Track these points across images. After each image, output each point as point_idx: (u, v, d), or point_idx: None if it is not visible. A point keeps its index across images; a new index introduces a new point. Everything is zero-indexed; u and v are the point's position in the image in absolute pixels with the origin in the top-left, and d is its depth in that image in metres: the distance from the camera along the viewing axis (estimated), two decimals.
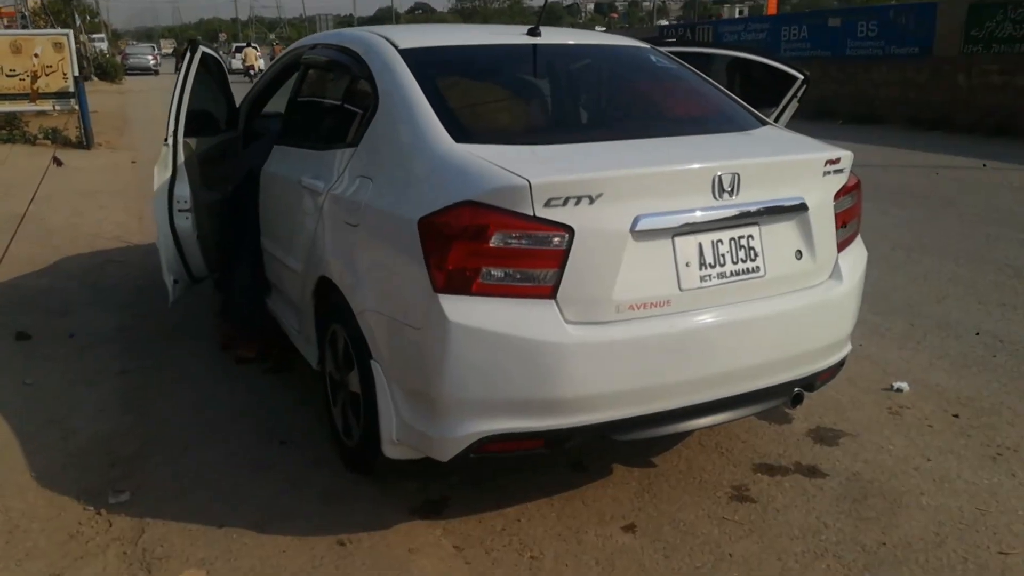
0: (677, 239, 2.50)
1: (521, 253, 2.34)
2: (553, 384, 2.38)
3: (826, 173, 2.76)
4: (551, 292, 2.37)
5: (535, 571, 2.57)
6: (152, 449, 3.37)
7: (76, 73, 12.15)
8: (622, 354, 2.43)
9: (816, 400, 3.67)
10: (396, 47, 3.10)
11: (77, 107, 12.21)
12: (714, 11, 64.95)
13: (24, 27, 33.73)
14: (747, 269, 2.62)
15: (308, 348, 3.46)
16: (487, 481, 3.05)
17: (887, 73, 15.28)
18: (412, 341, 2.49)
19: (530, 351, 2.36)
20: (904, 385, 3.85)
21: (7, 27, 27.86)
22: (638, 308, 2.45)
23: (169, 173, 3.73)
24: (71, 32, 12.83)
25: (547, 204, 2.31)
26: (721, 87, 3.40)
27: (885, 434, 3.42)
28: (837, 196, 2.83)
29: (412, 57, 3.03)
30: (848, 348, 3.07)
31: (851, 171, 2.94)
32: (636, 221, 2.40)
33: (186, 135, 3.89)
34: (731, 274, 2.59)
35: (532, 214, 2.32)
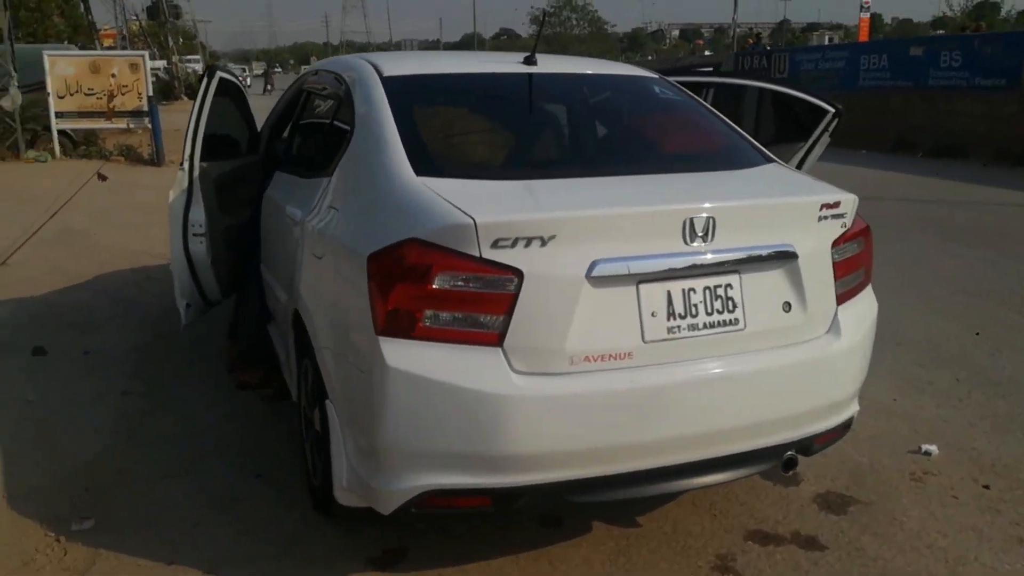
0: (643, 286, 2.30)
1: (466, 296, 2.18)
2: (497, 439, 2.20)
3: (822, 218, 2.52)
4: (498, 339, 2.20)
5: None
6: (130, 476, 3.31)
7: (150, 93, 12.60)
8: (575, 409, 2.24)
9: (831, 460, 3.38)
10: (380, 74, 3.00)
11: (150, 125, 12.64)
12: (800, 40, 63.47)
13: (124, 48, 35.53)
14: (724, 321, 2.39)
15: (290, 380, 3.37)
16: (452, 530, 2.88)
17: (971, 105, 14.51)
18: (358, 384, 2.36)
19: (472, 402, 2.19)
20: (933, 448, 3.51)
21: (107, 48, 29.35)
22: (595, 360, 2.26)
23: (185, 196, 3.72)
24: (146, 54, 13.33)
25: (495, 245, 2.15)
26: (727, 121, 3.18)
27: (902, 504, 3.10)
28: (836, 243, 2.58)
29: (392, 85, 2.92)
30: (854, 409, 2.80)
31: (857, 216, 2.69)
32: (593, 266, 2.21)
33: (206, 159, 3.88)
34: (705, 326, 2.37)
35: (478, 255, 2.16)
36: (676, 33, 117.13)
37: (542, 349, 2.22)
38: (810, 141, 3.94)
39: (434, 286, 2.17)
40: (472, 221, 2.13)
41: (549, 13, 61.99)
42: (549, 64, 3.28)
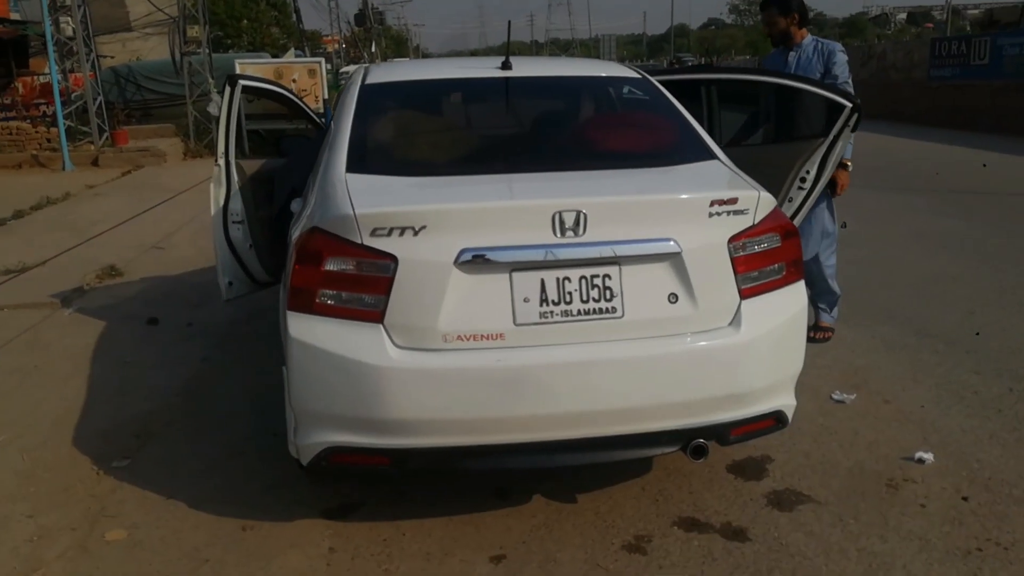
0: (516, 274, 2.48)
1: (352, 278, 2.49)
2: (378, 404, 2.49)
3: (715, 214, 2.56)
4: (380, 317, 2.48)
5: None
6: (175, 428, 3.90)
7: (326, 96, 13.81)
8: (448, 382, 2.48)
9: (811, 460, 3.36)
10: (363, 82, 3.35)
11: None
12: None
13: (341, 52, 38.56)
14: (601, 309, 2.52)
15: None
16: (410, 493, 3.18)
17: None
18: (284, 353, 2.73)
19: (356, 371, 2.48)
20: (929, 457, 3.35)
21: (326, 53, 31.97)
22: (467, 339, 2.48)
23: (224, 190, 4.27)
24: (322, 60, 14.60)
25: (373, 233, 2.44)
26: (686, 119, 3.21)
27: (859, 508, 3.03)
28: (736, 239, 2.61)
29: (368, 90, 3.26)
30: (779, 403, 2.79)
31: (779, 214, 2.69)
32: (460, 254, 2.43)
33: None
34: (579, 313, 2.51)
35: (360, 242, 2.45)
36: (903, 16, 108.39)
37: (418, 327, 2.48)
38: (830, 137, 3.83)
39: (326, 268, 2.49)
40: (353, 213, 2.43)
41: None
42: (523, 68, 3.48)
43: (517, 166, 2.92)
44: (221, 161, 4.16)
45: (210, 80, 13.74)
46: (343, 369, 2.50)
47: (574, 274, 2.51)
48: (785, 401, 2.82)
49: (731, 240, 2.61)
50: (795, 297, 2.78)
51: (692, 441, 2.68)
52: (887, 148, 14.20)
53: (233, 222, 4.32)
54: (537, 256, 2.46)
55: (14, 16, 18.59)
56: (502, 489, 3.18)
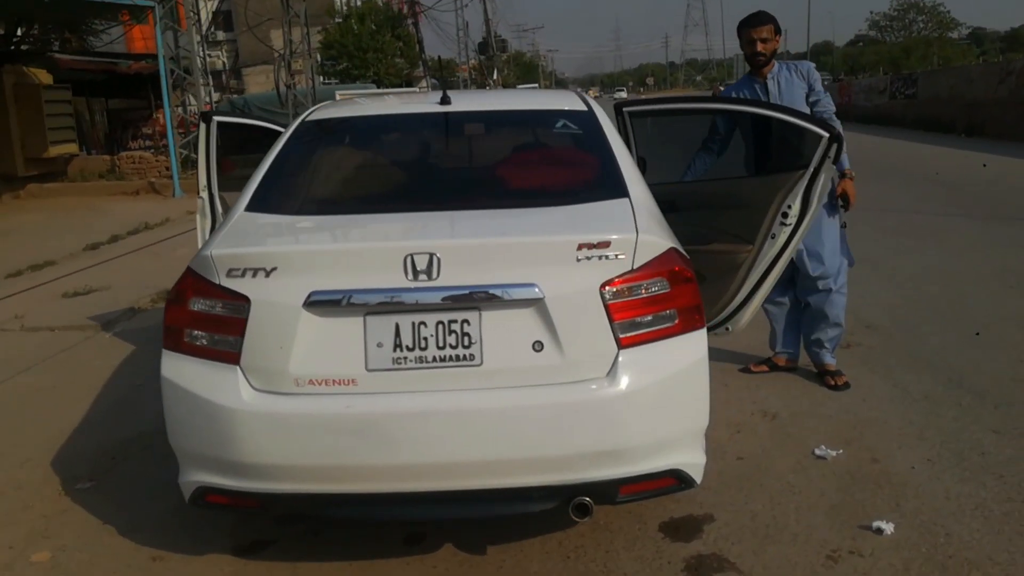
0: (370, 318, 2.42)
1: (211, 319, 2.50)
2: (234, 447, 2.47)
3: (584, 259, 2.40)
4: (236, 358, 2.48)
5: None
6: (150, 453, 4.03)
7: None
8: (299, 428, 2.43)
9: (759, 523, 3.09)
10: (304, 118, 3.39)
11: None
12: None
13: (465, 83, 39.61)
14: (458, 356, 2.41)
15: None
16: (325, 533, 3.15)
17: None
18: None
19: (213, 413, 2.48)
20: (888, 527, 3.01)
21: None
22: (319, 384, 2.43)
23: (209, 220, 4.42)
24: (427, 88, 14.95)
25: (228, 274, 2.44)
26: (617, 156, 3.03)
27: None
28: (610, 285, 2.43)
29: (302, 128, 3.29)
30: (673, 461, 2.58)
31: (670, 257, 2.50)
32: (309, 296, 2.39)
33: None
34: (435, 359, 2.41)
35: (218, 283, 2.46)
36: None
37: (271, 370, 2.45)
38: (810, 170, 3.55)
39: (191, 308, 2.52)
40: (210, 254, 2.44)
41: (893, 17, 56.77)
42: (462, 103, 3.40)
43: (410, 205, 2.87)
44: (204, 194, 4.32)
45: None
46: (203, 410, 2.51)
47: (431, 319, 2.42)
48: (684, 459, 2.60)
49: (604, 286, 2.43)
50: (691, 347, 2.56)
51: (575, 498, 2.51)
52: (1012, 172, 13.06)
53: None
54: (385, 299, 2.39)
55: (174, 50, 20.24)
56: (417, 535, 3.10)
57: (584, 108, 3.39)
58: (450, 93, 3.42)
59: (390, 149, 3.40)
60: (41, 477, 3.81)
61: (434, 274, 2.38)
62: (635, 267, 2.46)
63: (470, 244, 2.49)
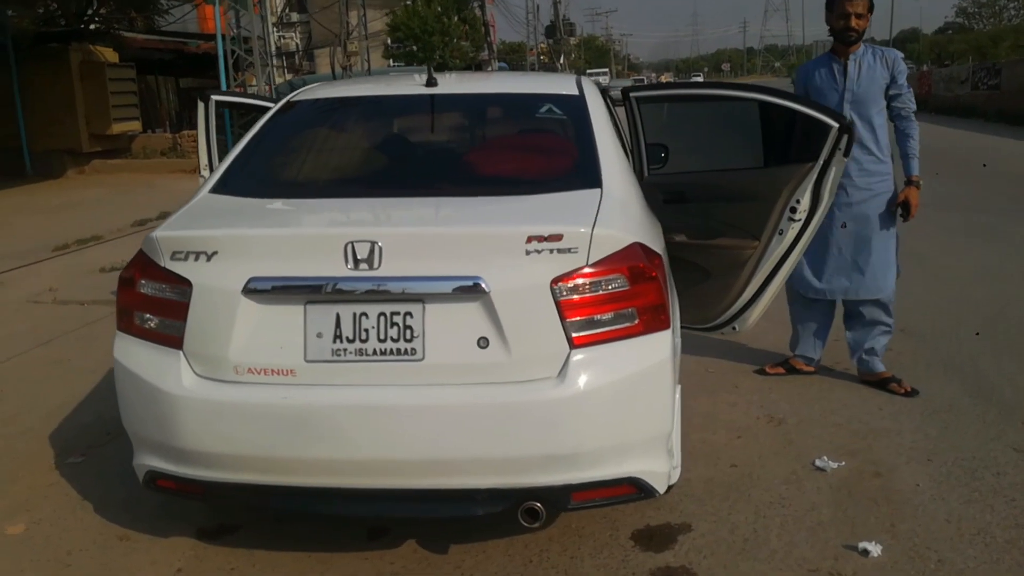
0: (311, 307, 2.33)
1: (157, 302, 2.45)
2: (175, 433, 2.43)
3: (533, 252, 2.27)
4: (179, 343, 2.43)
5: None
6: None
7: None
8: (236, 416, 2.38)
9: (737, 536, 2.93)
10: (289, 99, 3.32)
11: None
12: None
13: (534, 67, 39.32)
14: (399, 350, 2.31)
15: None
16: (290, 522, 3.10)
17: None
18: None
19: (157, 397, 2.45)
20: (875, 549, 2.81)
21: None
22: (258, 372, 2.36)
23: None
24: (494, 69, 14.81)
25: (172, 257, 2.40)
26: (599, 144, 2.86)
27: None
28: (562, 280, 2.29)
29: (284, 109, 3.23)
30: (631, 469, 2.45)
31: (634, 251, 2.35)
32: (248, 282, 2.32)
33: None
34: (375, 352, 2.32)
35: (163, 265, 2.41)
36: None
37: (211, 356, 2.39)
38: (819, 162, 3.33)
39: (139, 290, 2.48)
40: (156, 235, 2.40)
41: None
42: (449, 85, 3.29)
43: (366, 190, 2.77)
44: (205, 172, 4.31)
45: None
46: (147, 394, 2.48)
47: (372, 310, 2.32)
48: (643, 467, 2.46)
49: (556, 281, 2.30)
50: (653, 349, 2.40)
51: (524, 503, 2.39)
52: None
53: None
54: (323, 287, 2.30)
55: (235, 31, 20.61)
56: (380, 529, 3.02)
57: (575, 93, 3.23)
58: (442, 76, 3.31)
59: (365, 132, 3.32)
60: (37, 449, 3.87)
61: (375, 263, 2.28)
62: (590, 262, 2.31)
63: (413, 233, 2.39)
